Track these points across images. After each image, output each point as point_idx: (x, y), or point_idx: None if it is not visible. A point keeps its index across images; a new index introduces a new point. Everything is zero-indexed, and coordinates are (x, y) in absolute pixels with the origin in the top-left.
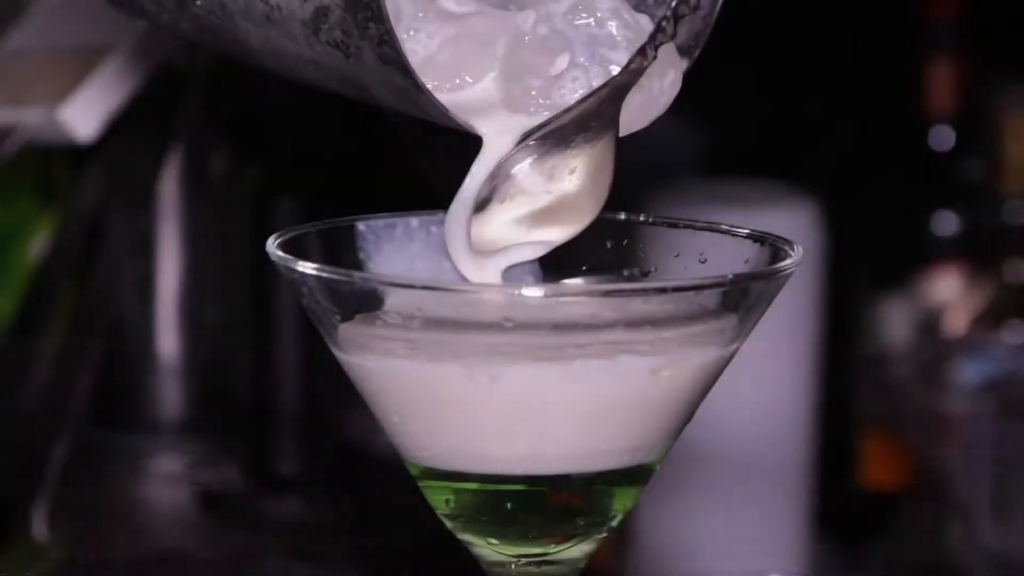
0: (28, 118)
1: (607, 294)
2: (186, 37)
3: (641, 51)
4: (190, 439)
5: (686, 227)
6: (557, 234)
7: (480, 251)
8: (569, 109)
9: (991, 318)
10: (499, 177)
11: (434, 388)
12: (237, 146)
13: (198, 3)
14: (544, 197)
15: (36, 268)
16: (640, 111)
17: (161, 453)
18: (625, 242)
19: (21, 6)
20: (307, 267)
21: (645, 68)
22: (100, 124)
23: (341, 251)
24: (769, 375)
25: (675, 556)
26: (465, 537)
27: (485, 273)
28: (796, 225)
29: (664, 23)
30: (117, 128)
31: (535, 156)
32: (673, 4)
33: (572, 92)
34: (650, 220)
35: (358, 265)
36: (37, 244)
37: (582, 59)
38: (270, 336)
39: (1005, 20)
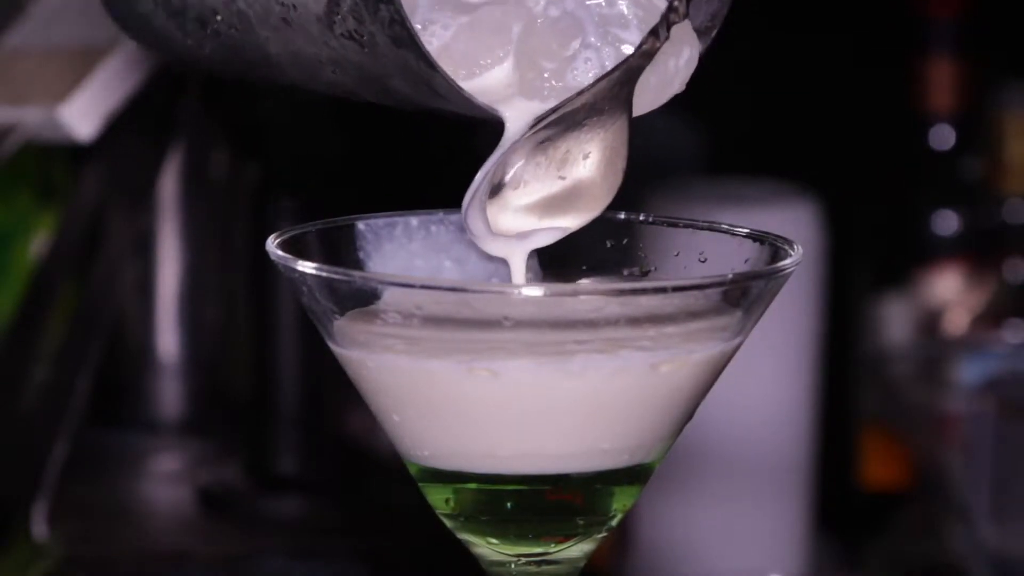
0: (28, 117)
1: (607, 294)
2: (210, 63)
3: (653, 32)
4: (189, 438)
5: (686, 226)
6: (572, 220)
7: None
8: (581, 93)
9: (991, 317)
10: (512, 163)
11: (433, 385)
12: (237, 145)
13: (219, 18)
14: (558, 183)
15: (36, 267)
16: (655, 91)
17: (161, 452)
18: (625, 241)
19: (21, 5)
20: (307, 266)
21: (657, 49)
22: (100, 123)
23: (341, 250)
24: (769, 374)
25: (675, 555)
26: (465, 536)
27: (514, 255)
28: (796, 224)
29: (676, 3)
30: (117, 127)
31: (548, 141)
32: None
33: (585, 73)
34: (650, 219)
35: (358, 264)
36: (37, 243)
37: (593, 39)
38: (269, 335)
39: (1005, 19)
